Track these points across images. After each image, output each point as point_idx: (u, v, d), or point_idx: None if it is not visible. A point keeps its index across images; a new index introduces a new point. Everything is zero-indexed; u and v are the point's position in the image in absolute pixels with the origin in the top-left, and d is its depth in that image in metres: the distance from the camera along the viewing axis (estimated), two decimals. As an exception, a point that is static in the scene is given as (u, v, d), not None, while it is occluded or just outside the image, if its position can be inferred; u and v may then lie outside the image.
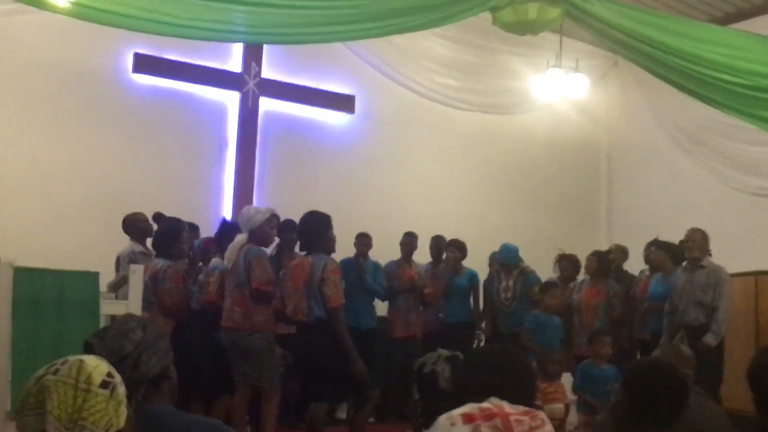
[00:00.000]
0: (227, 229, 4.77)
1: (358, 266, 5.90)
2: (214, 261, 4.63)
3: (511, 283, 6.05)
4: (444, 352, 2.56)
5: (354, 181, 7.73)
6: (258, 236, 4.25)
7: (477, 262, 6.54)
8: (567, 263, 6.12)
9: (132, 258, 4.85)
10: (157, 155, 6.84)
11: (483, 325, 6.44)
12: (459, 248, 6.34)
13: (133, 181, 6.63)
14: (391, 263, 6.37)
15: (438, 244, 6.55)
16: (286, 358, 4.40)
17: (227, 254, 4.26)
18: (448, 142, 8.32)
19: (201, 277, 4.64)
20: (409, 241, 6.38)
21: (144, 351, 1.83)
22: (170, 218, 4.86)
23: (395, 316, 6.25)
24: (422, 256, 6.62)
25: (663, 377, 2.10)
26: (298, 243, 4.45)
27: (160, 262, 4.49)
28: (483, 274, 6.50)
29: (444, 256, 6.47)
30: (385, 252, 6.49)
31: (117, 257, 5.09)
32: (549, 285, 5.65)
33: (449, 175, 8.33)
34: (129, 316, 1.99)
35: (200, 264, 4.94)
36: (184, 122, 7.01)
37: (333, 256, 4.21)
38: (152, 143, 6.81)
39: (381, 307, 6.30)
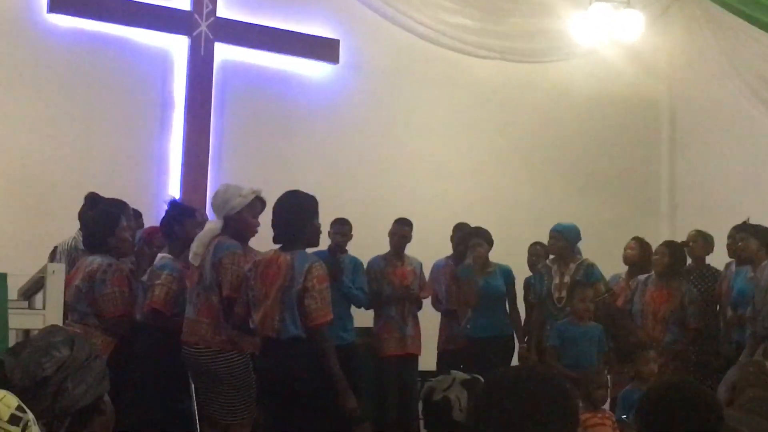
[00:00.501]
0: (178, 214, 4.77)
1: (334, 263, 5.90)
2: (161, 257, 4.66)
3: (567, 278, 6.04)
4: (459, 375, 2.61)
5: (337, 153, 7.78)
6: (235, 226, 4.26)
7: (501, 259, 6.54)
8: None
9: (72, 254, 4.92)
10: (84, 121, 6.89)
11: (520, 338, 6.50)
12: (486, 239, 6.33)
13: (54, 156, 6.68)
14: (377, 260, 6.44)
15: (463, 234, 6.58)
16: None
17: (194, 247, 4.24)
18: (462, 101, 8.34)
19: (144, 278, 4.66)
20: (400, 231, 6.43)
21: (70, 375, 1.83)
22: (108, 200, 4.93)
23: (385, 328, 6.33)
24: (420, 249, 6.69)
25: (685, 404, 2.03)
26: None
27: (96, 260, 4.50)
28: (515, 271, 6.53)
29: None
30: (375, 246, 6.58)
31: (54, 249, 5.15)
32: (576, 284, 5.72)
33: (463, 144, 8.38)
34: (54, 329, 1.99)
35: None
36: (116, 77, 7.04)
37: (310, 251, 4.24)
38: (76, 105, 6.86)
39: (367, 317, 6.46)
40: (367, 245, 6.57)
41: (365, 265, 6.38)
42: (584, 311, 5.49)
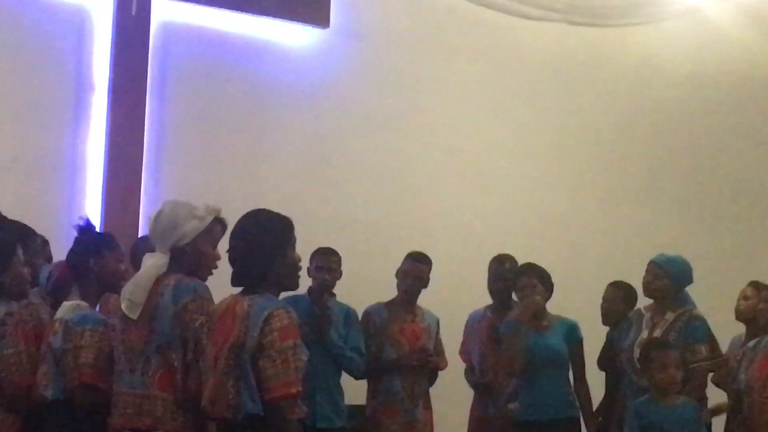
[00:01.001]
0: (93, 243, 4.77)
1: (319, 311, 6.04)
2: (73, 307, 4.62)
3: (658, 332, 6.04)
4: None
5: (326, 154, 7.91)
6: (188, 260, 4.30)
7: (563, 309, 6.43)
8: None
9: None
10: None
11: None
12: (542, 279, 6.27)
13: None
14: (378, 310, 6.49)
15: (502, 271, 6.53)
16: None
17: (128, 292, 4.25)
18: (509, 80, 8.38)
19: (54, 339, 4.54)
20: (414, 270, 6.46)
21: None
22: (9, 222, 5.02)
23: (386, 409, 6.37)
24: (442, 297, 6.75)
25: None
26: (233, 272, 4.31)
27: None
28: (585, 326, 6.46)
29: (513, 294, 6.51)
30: (374, 288, 6.65)
31: None
32: (653, 344, 5.72)
33: (510, 141, 8.45)
34: None
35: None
36: (10, 47, 7.09)
37: (284, 296, 4.26)
38: None
39: (355, 390, 6.46)
40: (364, 287, 6.65)
41: (360, 316, 6.41)
42: (669, 383, 5.41)
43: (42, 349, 4.56)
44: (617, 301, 6.62)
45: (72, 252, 4.76)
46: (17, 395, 4.48)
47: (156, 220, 4.33)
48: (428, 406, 6.40)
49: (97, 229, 5.02)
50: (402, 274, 6.46)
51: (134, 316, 4.21)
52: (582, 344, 6.33)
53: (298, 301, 5.81)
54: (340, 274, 6.29)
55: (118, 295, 4.50)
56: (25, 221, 5.19)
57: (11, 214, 5.21)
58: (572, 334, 6.28)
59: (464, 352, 6.64)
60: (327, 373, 5.98)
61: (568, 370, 6.26)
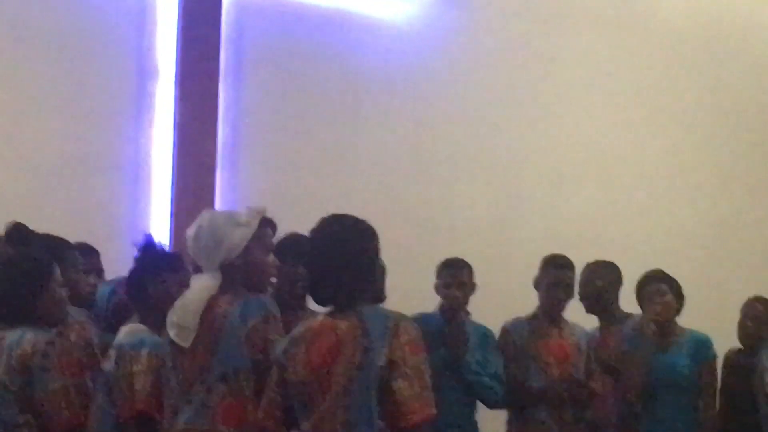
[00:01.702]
0: (154, 264, 4.77)
1: (454, 332, 5.96)
2: (130, 331, 4.62)
3: None
4: None
5: (430, 149, 7.90)
6: (243, 276, 4.32)
7: (695, 323, 6.35)
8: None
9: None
10: (11, 107, 6.92)
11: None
12: (673, 289, 6.25)
13: None
14: (517, 326, 6.42)
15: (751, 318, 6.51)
16: None
17: (176, 317, 4.28)
18: (642, 55, 8.34)
19: (106, 365, 4.57)
20: (559, 278, 6.34)
21: None
22: (40, 237, 5.00)
23: None
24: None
25: None
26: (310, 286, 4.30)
27: (26, 338, 4.43)
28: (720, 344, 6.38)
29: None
30: (494, 302, 6.57)
31: None
32: None
33: (645, 129, 8.37)
34: None
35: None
36: (68, 33, 7.02)
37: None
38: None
39: (490, 422, 6.36)
40: (483, 302, 6.41)
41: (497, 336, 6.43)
42: None
43: (96, 378, 4.59)
44: (764, 320, 6.47)
45: (131, 273, 4.80)
46: None
47: (196, 239, 4.34)
48: None
49: (161, 247, 4.95)
50: (548, 286, 6.31)
51: (187, 343, 4.21)
52: (714, 363, 6.23)
53: (429, 320, 5.86)
54: (473, 288, 6.17)
55: None
56: (82, 230, 5.31)
57: (66, 223, 5.30)
58: (703, 351, 6.20)
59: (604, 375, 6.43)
60: (460, 405, 5.91)
61: (696, 395, 6.16)
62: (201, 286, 4.30)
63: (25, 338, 4.38)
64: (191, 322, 4.22)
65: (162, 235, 6.72)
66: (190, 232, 4.42)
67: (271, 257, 4.42)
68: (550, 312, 6.31)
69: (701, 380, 6.13)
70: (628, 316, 6.42)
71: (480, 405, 6.22)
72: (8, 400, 4.32)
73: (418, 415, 3.78)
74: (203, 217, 4.43)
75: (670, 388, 6.05)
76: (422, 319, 5.62)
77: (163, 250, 4.90)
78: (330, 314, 3.95)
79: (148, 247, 4.81)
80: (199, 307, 4.23)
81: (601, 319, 6.50)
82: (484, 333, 6.16)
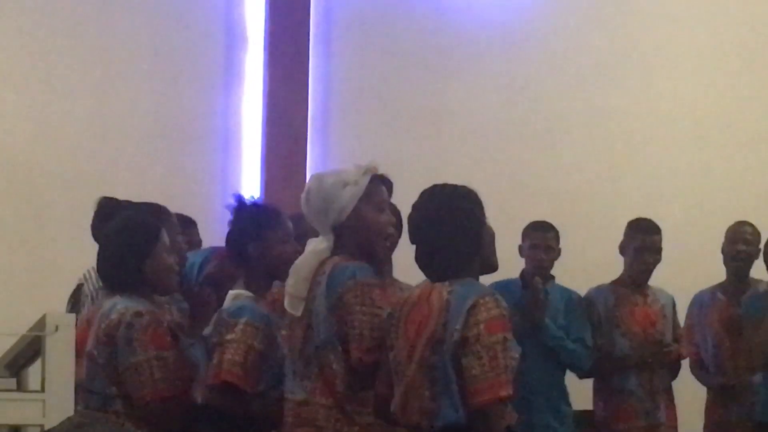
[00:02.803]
0: (252, 222, 4.73)
1: (532, 295, 5.96)
2: (234, 297, 4.61)
3: None
4: None
5: (526, 112, 7.81)
6: (357, 235, 4.29)
7: None
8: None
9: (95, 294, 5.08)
10: (97, 78, 6.99)
11: None
12: None
13: (52, 136, 6.88)
14: (602, 293, 6.42)
15: (743, 241, 6.44)
16: None
17: (289, 285, 4.29)
18: (746, 6, 8.18)
19: (206, 331, 4.58)
20: (651, 244, 6.33)
21: None
22: (135, 206, 5.01)
23: (621, 411, 6.27)
24: (663, 278, 6.53)
25: None
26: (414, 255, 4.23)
27: (117, 307, 4.39)
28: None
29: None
30: (596, 268, 6.61)
31: (76, 288, 5.33)
32: None
33: (752, 87, 8.20)
34: (78, 418, 2.66)
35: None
36: (148, 4, 7.16)
37: (486, 281, 4.20)
38: (85, 53, 7.00)
39: (579, 393, 6.37)
40: (580, 268, 6.62)
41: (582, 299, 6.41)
42: None
43: (194, 350, 4.61)
44: None
45: (229, 237, 4.75)
46: (151, 411, 4.41)
47: (307, 203, 4.31)
48: (671, 405, 6.26)
49: (255, 204, 4.96)
50: (636, 251, 6.26)
51: (297, 312, 4.19)
52: None
53: (510, 285, 5.85)
54: (559, 253, 6.18)
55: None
56: (174, 200, 5.22)
57: (155, 192, 5.32)
58: None
59: (691, 343, 6.49)
60: (546, 371, 5.91)
61: None
62: (312, 250, 4.29)
63: (115, 308, 4.40)
64: (302, 289, 4.23)
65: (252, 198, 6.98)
66: (303, 195, 4.39)
67: (386, 216, 4.37)
68: (636, 278, 6.30)
69: None
70: (757, 282, 6.37)
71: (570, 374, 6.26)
72: (98, 372, 4.38)
73: (486, 396, 3.76)
74: (312, 179, 4.42)
75: None
76: (504, 284, 5.69)
77: (258, 207, 4.89)
78: (429, 283, 3.96)
79: (242, 206, 4.78)
80: (309, 274, 4.23)
81: (737, 287, 6.38)
82: (570, 297, 6.18)
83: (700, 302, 6.51)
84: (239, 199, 4.81)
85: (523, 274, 6.09)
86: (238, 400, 4.40)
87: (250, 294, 4.55)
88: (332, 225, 4.21)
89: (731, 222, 6.58)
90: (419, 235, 4.00)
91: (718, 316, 6.40)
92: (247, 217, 4.69)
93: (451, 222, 3.94)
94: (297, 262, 4.30)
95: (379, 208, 4.30)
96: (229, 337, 4.41)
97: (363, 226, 4.23)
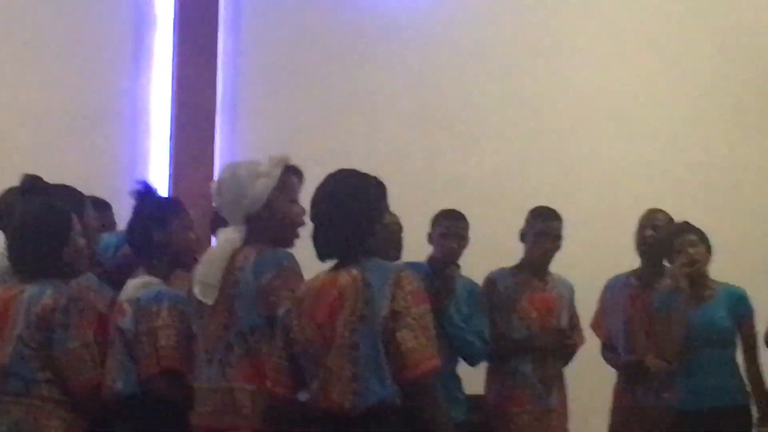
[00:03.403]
0: (155, 210, 4.78)
1: (441, 282, 5.97)
2: (142, 285, 4.62)
3: None
4: None
5: (438, 99, 7.79)
6: (269, 225, 4.34)
7: (728, 276, 6.27)
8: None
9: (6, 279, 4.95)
10: (2, 60, 6.99)
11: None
12: (701, 239, 6.19)
13: None
14: (502, 276, 6.49)
15: (654, 229, 6.48)
16: None
17: (201, 274, 4.32)
18: (679, 4, 8.22)
19: (123, 322, 4.56)
20: (547, 229, 6.41)
21: None
22: (53, 188, 4.97)
23: (514, 397, 6.29)
24: (570, 264, 6.56)
25: None
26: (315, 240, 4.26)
27: (47, 292, 4.48)
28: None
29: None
30: (503, 255, 6.54)
31: None
32: None
33: (663, 76, 8.25)
34: None
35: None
36: None
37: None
38: None
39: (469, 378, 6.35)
40: (487, 255, 6.53)
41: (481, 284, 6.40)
42: None
43: (110, 336, 4.58)
44: None
45: (131, 224, 4.75)
46: (86, 396, 4.44)
47: (219, 193, 4.34)
48: (562, 391, 6.32)
49: (159, 193, 4.99)
50: (536, 236, 6.34)
51: (210, 300, 4.21)
52: (753, 317, 6.15)
53: (417, 269, 5.74)
54: (467, 243, 6.18)
55: (188, 271, 4.53)
56: (80, 181, 5.15)
57: (64, 177, 5.17)
58: (740, 304, 6.13)
59: (602, 327, 6.54)
60: (443, 358, 5.82)
61: (735, 349, 6.13)
62: (225, 239, 4.32)
63: (45, 293, 4.40)
64: (214, 278, 4.24)
65: (161, 187, 6.77)
66: (214, 186, 4.44)
67: (298, 207, 4.39)
68: (535, 263, 6.36)
69: (742, 335, 6.11)
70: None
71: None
72: (27, 356, 4.36)
73: (423, 366, 3.81)
74: (225, 169, 4.44)
75: (709, 344, 6.06)
76: (410, 267, 5.80)
77: (161, 196, 4.96)
78: (331, 270, 3.99)
79: (147, 193, 4.81)
80: (222, 263, 4.24)
81: (649, 273, 6.46)
82: (473, 290, 6.19)
83: (612, 286, 6.58)
84: (145, 185, 4.82)
85: (431, 260, 6.13)
86: (179, 385, 4.40)
87: (158, 280, 4.55)
88: (245, 215, 4.25)
89: (644, 209, 6.63)
90: (321, 216, 4.03)
91: (630, 300, 6.46)
92: (152, 205, 4.72)
93: (348, 204, 4.00)
94: (210, 250, 4.34)
95: (292, 198, 4.33)
96: (157, 324, 4.43)
97: (276, 217, 4.28)
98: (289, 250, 4.40)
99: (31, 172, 5.11)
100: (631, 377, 6.38)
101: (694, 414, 5.96)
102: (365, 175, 4.10)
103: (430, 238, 6.12)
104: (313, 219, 4.04)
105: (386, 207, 4.12)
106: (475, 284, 6.25)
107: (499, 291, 6.31)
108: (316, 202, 4.03)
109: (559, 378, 6.33)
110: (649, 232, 6.44)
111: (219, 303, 4.23)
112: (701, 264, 6.06)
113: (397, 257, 5.37)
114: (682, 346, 6.02)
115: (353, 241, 3.97)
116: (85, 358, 4.43)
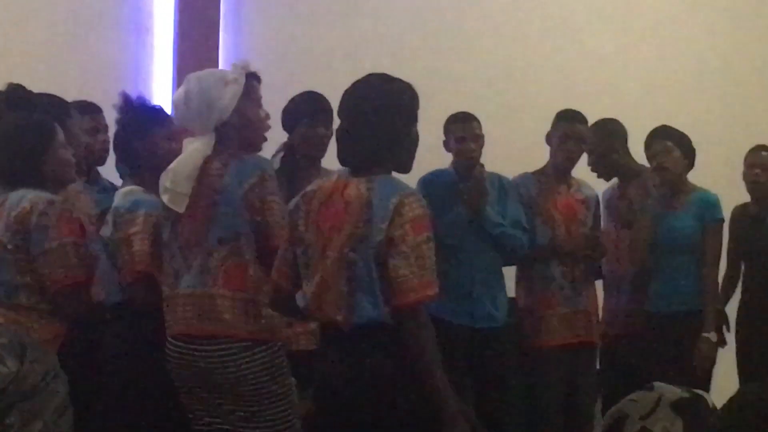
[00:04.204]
0: (140, 119, 4.82)
1: (473, 184, 5.95)
2: (126, 193, 4.69)
3: None
4: (669, 392, 2.77)
5: (447, 8, 7.80)
6: (238, 133, 4.39)
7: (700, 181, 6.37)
8: None
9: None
10: None
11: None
12: (680, 144, 6.24)
13: None
14: (525, 180, 6.48)
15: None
16: (305, 403, 4.45)
17: (168, 181, 4.34)
18: None
19: (105, 230, 4.65)
20: (570, 131, 6.36)
21: (17, 404, 2.09)
22: (36, 97, 5.01)
23: (544, 300, 6.31)
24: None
25: None
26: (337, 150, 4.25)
27: (27, 197, 4.53)
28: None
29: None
30: (517, 157, 6.65)
31: None
32: None
33: None
34: None
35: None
36: None
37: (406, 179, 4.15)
38: None
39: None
40: (500, 157, 6.55)
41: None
42: None
43: (94, 244, 4.66)
44: None
45: (116, 134, 4.85)
46: (64, 296, 4.49)
47: (186, 103, 4.35)
48: (592, 293, 6.34)
49: (141, 102, 5.04)
50: (559, 138, 6.31)
51: (181, 209, 4.27)
52: (720, 226, 6.28)
53: (441, 177, 5.96)
54: (484, 140, 6.16)
55: None
56: (84, 88, 5.41)
57: (67, 81, 5.52)
58: (710, 211, 6.21)
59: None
60: (485, 260, 5.92)
61: (701, 257, 6.23)
62: (194, 148, 4.35)
63: (25, 198, 4.46)
64: (185, 186, 4.28)
65: (165, 93, 6.84)
66: (178, 97, 4.47)
67: (263, 111, 4.49)
68: (559, 167, 6.35)
69: (704, 241, 6.19)
70: (644, 169, 6.46)
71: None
72: (7, 260, 4.44)
73: (413, 296, 3.83)
74: (189, 80, 4.45)
75: (674, 250, 6.15)
76: (436, 176, 5.83)
77: (144, 105, 4.95)
78: (343, 176, 3.99)
79: (128, 104, 4.83)
80: (193, 171, 4.29)
81: (617, 175, 6.51)
82: (501, 182, 6.21)
83: (606, 195, 6.63)
84: (125, 97, 4.86)
85: (454, 165, 6.12)
86: (155, 290, 4.46)
87: (141, 189, 4.62)
88: (215, 124, 4.31)
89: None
90: (346, 119, 4.03)
91: (615, 210, 6.54)
92: (133, 116, 4.76)
93: (380, 112, 3.96)
94: (178, 159, 4.37)
95: (258, 104, 4.43)
96: (132, 230, 4.50)
97: (245, 123, 4.37)
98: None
99: (26, 78, 5.21)
100: (609, 284, 6.53)
101: (661, 316, 6.10)
102: (400, 81, 4.07)
103: (447, 145, 6.13)
104: (340, 119, 4.07)
105: (417, 117, 4.09)
106: (503, 177, 6.27)
107: (522, 196, 6.32)
108: (347, 103, 4.05)
109: (587, 279, 6.38)
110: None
111: (195, 211, 4.29)
112: (673, 169, 6.12)
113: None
114: (648, 251, 6.15)
115: (378, 150, 3.98)
116: (61, 258, 4.50)
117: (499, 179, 6.22)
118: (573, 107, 6.48)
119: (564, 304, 6.20)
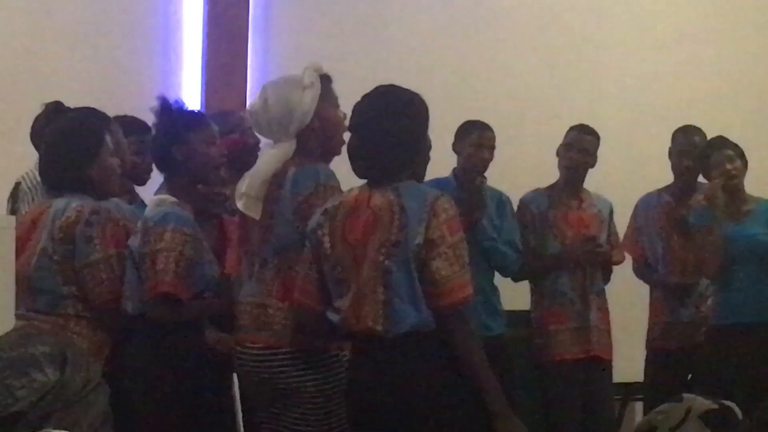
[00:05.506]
0: (176, 125, 4.80)
1: (472, 194, 5.96)
2: (157, 203, 4.69)
3: None
4: (698, 402, 2.67)
5: (472, 10, 7.78)
6: (318, 137, 4.39)
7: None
8: None
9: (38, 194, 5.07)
10: None
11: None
12: (738, 154, 6.19)
13: None
14: (536, 197, 6.48)
15: (691, 145, 6.47)
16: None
17: (245, 186, 4.37)
18: None
19: (134, 240, 4.60)
20: (579, 142, 6.42)
21: (56, 413, 2.02)
22: (79, 111, 5.02)
23: (554, 313, 6.36)
24: (605, 183, 6.64)
25: None
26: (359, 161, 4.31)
27: (72, 204, 4.55)
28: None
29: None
30: (534, 174, 6.63)
31: (15, 186, 5.34)
32: None
33: None
34: (30, 331, 2.26)
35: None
36: None
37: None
38: None
39: (519, 294, 6.43)
40: (518, 172, 6.72)
41: (515, 206, 6.38)
42: None
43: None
44: None
45: (153, 140, 4.87)
46: (108, 309, 4.51)
47: (266, 112, 4.38)
48: (604, 306, 6.35)
49: (179, 106, 5.04)
50: (565, 148, 6.37)
51: (255, 214, 4.30)
52: None
53: (444, 184, 5.82)
54: (493, 154, 6.22)
55: (209, 185, 4.74)
56: (112, 101, 5.29)
57: (94, 94, 5.39)
58: None
59: (636, 245, 6.60)
60: (479, 270, 5.80)
61: None
62: (272, 154, 4.37)
63: (70, 206, 4.47)
64: (258, 190, 4.30)
65: (194, 103, 6.84)
66: (255, 106, 4.46)
67: (341, 112, 4.44)
68: (568, 179, 6.43)
69: None
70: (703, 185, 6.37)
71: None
72: (52, 270, 4.46)
73: (456, 295, 3.88)
74: (265, 89, 4.44)
75: (748, 259, 6.10)
76: (435, 184, 5.70)
77: (181, 109, 4.92)
78: (365, 188, 4.02)
79: (165, 109, 4.82)
80: (267, 176, 4.30)
81: (683, 190, 6.53)
82: (501, 199, 6.26)
83: (646, 204, 6.59)
84: (163, 101, 4.84)
85: (455, 172, 6.16)
86: (176, 310, 4.49)
87: (174, 199, 4.60)
88: (296, 130, 4.31)
89: (676, 125, 6.67)
90: (362, 132, 4.06)
91: (666, 216, 6.48)
92: (170, 120, 4.76)
93: (396, 123, 4.00)
94: (257, 164, 4.41)
95: (336, 104, 4.41)
96: (158, 246, 4.47)
97: (326, 126, 4.37)
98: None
99: (57, 89, 5.46)
100: (670, 295, 6.50)
101: (730, 328, 6.06)
102: (412, 92, 4.11)
103: (460, 149, 6.17)
104: (353, 134, 4.10)
105: (428, 126, 4.14)
106: (503, 194, 6.29)
107: (532, 211, 6.38)
108: (360, 117, 4.08)
109: (600, 295, 6.37)
110: (685, 150, 6.46)
111: (261, 218, 4.33)
112: (738, 179, 6.08)
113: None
114: (722, 261, 6.05)
115: (398, 160, 4.02)
116: (106, 271, 4.53)
117: (499, 196, 6.29)
118: (595, 120, 6.58)
119: (574, 319, 6.29)
